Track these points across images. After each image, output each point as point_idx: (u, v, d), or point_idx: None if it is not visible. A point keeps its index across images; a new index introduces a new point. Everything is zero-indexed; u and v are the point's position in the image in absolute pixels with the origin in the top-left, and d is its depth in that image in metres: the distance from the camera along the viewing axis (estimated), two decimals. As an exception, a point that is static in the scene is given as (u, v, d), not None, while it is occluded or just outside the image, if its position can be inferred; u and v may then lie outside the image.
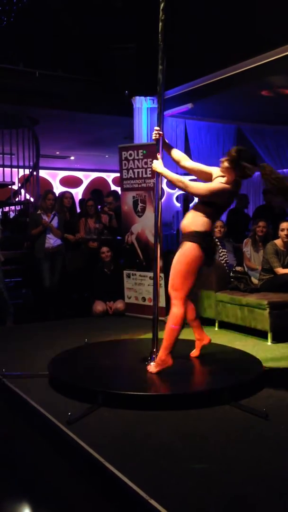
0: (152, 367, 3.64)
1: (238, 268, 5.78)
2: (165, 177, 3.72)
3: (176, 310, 3.54)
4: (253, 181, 11.72)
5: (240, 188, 3.71)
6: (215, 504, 2.15)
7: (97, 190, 9.07)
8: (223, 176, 3.60)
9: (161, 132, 3.79)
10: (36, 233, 6.18)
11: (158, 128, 3.80)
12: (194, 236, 3.55)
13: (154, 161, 3.79)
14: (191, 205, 10.09)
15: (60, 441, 2.87)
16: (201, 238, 3.55)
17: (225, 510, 2.11)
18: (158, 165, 3.75)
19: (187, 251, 3.56)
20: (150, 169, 5.91)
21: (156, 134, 3.80)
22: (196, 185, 3.69)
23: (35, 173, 8.61)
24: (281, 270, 5.31)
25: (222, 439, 2.80)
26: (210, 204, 3.60)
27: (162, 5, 3.75)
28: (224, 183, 3.57)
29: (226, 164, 3.56)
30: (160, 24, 3.75)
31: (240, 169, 3.54)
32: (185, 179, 3.65)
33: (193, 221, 3.61)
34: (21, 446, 3.00)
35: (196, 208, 3.69)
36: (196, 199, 3.92)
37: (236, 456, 2.59)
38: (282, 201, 3.65)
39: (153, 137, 3.83)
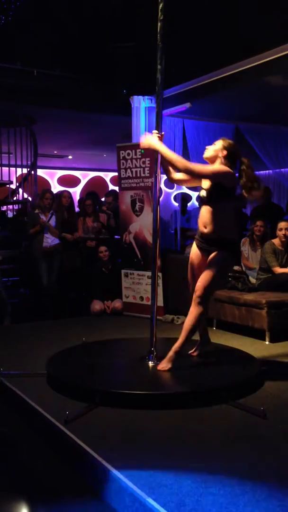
0: (163, 364, 3.63)
1: (236, 268, 5.79)
2: (162, 154, 3.53)
3: (199, 308, 3.61)
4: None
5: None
6: (213, 503, 2.15)
7: (92, 193, 9.07)
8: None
9: (159, 135, 3.67)
10: (34, 233, 6.18)
11: (156, 131, 3.70)
12: (228, 244, 3.65)
13: (148, 136, 3.60)
14: (189, 204, 10.09)
15: (58, 439, 2.87)
16: (234, 246, 3.76)
17: (223, 509, 2.11)
18: (154, 140, 3.53)
19: (221, 258, 3.62)
20: (148, 168, 5.92)
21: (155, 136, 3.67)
22: (198, 164, 3.59)
23: (33, 172, 8.60)
24: (279, 269, 5.32)
25: (219, 438, 2.80)
26: (226, 200, 3.55)
27: (161, 5, 3.75)
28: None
29: (223, 153, 3.56)
30: (159, 24, 3.75)
31: (233, 162, 3.56)
32: (184, 159, 3.50)
33: (222, 227, 3.60)
34: (19, 445, 3.00)
35: (217, 209, 3.58)
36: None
37: (234, 455, 2.60)
38: (255, 196, 3.63)
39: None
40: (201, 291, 3.58)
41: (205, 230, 3.65)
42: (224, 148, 3.59)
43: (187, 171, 3.50)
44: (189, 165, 3.47)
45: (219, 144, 3.63)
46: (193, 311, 3.62)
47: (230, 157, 3.59)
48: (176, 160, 3.46)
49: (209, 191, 3.60)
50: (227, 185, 3.53)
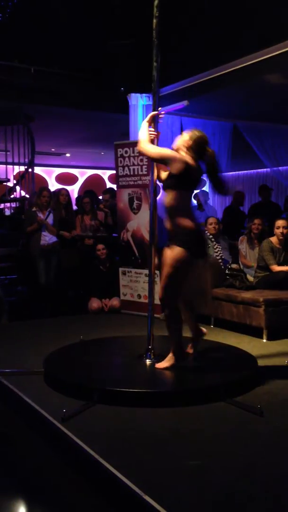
0: (162, 364, 3.65)
1: (234, 266, 5.79)
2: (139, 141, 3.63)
3: (166, 311, 3.63)
4: (250, 178, 11.75)
5: (201, 172, 3.61)
6: (209, 500, 2.15)
7: (90, 191, 9.07)
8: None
9: (155, 133, 3.70)
10: (31, 231, 6.17)
11: (152, 129, 3.71)
12: (183, 238, 3.48)
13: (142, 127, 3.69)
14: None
15: (55, 438, 2.87)
16: (189, 240, 3.49)
17: (219, 506, 2.12)
18: (141, 130, 3.66)
19: (175, 254, 3.49)
20: (146, 166, 5.91)
21: (151, 135, 3.68)
22: (152, 147, 3.62)
23: (30, 170, 8.58)
24: (276, 267, 5.33)
25: (217, 436, 2.80)
26: (179, 188, 3.50)
27: (156, 2, 3.73)
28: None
29: (188, 143, 3.56)
30: (154, 21, 3.73)
31: (198, 153, 3.56)
32: (148, 144, 3.59)
33: (177, 219, 3.50)
34: (16, 443, 3.00)
35: (171, 200, 3.53)
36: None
37: (231, 452, 2.60)
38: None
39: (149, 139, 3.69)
40: (160, 292, 3.59)
41: (167, 225, 3.62)
42: (190, 138, 3.58)
43: (141, 152, 3.72)
44: (143, 148, 3.60)
45: (186, 134, 3.63)
46: (164, 313, 3.67)
47: (195, 148, 3.55)
48: (138, 143, 3.63)
49: (165, 179, 3.62)
50: (174, 171, 3.49)
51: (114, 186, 7.06)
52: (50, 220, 6.19)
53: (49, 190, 6.60)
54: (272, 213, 6.91)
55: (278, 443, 2.73)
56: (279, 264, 5.37)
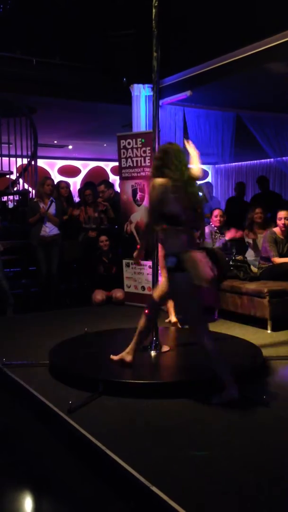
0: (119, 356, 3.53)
1: (238, 257, 5.77)
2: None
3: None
4: (253, 169, 11.69)
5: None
6: (216, 490, 2.16)
7: (91, 183, 9.04)
8: None
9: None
10: (34, 221, 6.16)
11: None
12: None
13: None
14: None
15: (61, 429, 2.88)
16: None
17: (226, 496, 2.13)
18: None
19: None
20: (149, 157, 5.89)
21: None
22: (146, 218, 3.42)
23: (33, 162, 8.55)
24: (277, 260, 5.31)
25: (222, 426, 2.81)
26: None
27: None
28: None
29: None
30: (154, 10, 3.69)
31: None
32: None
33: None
34: (22, 434, 3.01)
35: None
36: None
37: (237, 443, 2.61)
38: None
39: None
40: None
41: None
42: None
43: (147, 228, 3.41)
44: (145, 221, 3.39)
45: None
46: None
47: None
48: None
49: None
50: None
51: (117, 178, 7.04)
52: (52, 209, 6.17)
53: (52, 179, 6.59)
54: (273, 203, 6.88)
55: (284, 433, 2.73)
56: (282, 255, 5.35)
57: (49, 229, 6.16)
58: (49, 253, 6.19)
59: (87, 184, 8.95)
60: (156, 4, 3.67)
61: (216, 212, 6.06)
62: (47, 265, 6.19)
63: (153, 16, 3.68)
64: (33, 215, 6.18)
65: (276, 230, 5.48)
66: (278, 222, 5.45)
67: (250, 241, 5.99)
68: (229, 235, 5.90)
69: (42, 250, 6.16)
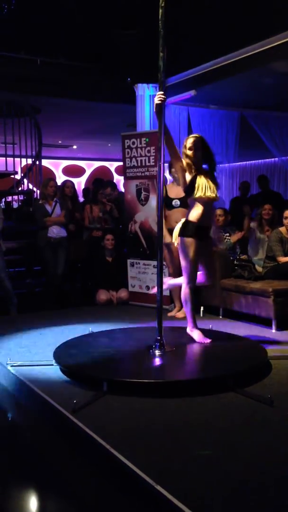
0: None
1: (243, 256, 5.76)
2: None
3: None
4: (258, 169, 11.66)
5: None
6: (220, 490, 2.16)
7: (99, 179, 9.03)
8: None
9: (163, 96, 3.69)
10: (44, 226, 6.14)
11: (161, 92, 3.71)
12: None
13: None
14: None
15: (66, 428, 2.88)
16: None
17: (230, 496, 2.12)
18: None
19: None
20: (153, 157, 5.89)
21: (159, 99, 3.68)
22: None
23: (37, 162, 8.57)
24: (282, 259, 5.29)
25: (227, 425, 2.81)
26: None
27: None
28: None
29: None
30: (160, 11, 3.69)
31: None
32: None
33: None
34: (27, 434, 3.02)
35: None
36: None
37: (241, 442, 2.60)
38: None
39: (156, 101, 3.70)
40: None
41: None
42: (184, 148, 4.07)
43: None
44: None
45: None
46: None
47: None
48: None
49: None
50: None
51: (121, 178, 7.04)
52: (57, 210, 6.19)
53: (55, 180, 6.60)
54: (273, 203, 6.85)
55: (289, 433, 2.73)
56: (287, 255, 5.34)
57: (56, 231, 6.17)
58: (56, 254, 6.21)
59: (95, 181, 8.90)
60: (162, 5, 3.67)
61: (218, 211, 6.04)
62: (54, 267, 6.21)
63: (160, 16, 3.68)
64: (41, 218, 6.18)
65: (282, 229, 5.46)
66: (285, 221, 5.43)
67: (261, 236, 5.96)
68: (235, 238, 5.94)
69: (49, 252, 6.17)
